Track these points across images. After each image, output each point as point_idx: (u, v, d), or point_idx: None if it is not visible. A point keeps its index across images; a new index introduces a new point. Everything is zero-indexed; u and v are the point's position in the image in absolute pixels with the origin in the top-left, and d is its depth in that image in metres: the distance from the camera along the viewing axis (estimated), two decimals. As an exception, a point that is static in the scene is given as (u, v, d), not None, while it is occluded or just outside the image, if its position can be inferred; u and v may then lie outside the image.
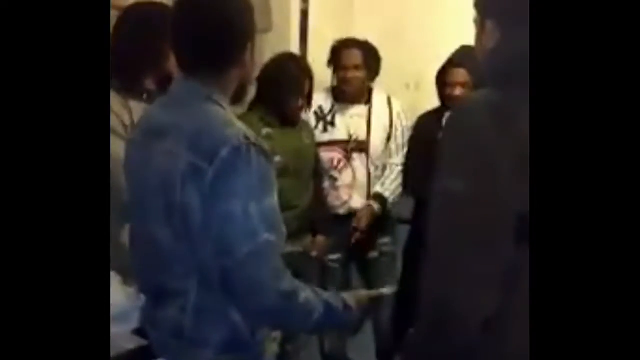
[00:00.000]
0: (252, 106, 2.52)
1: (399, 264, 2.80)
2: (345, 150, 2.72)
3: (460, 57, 2.51)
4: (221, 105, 1.36)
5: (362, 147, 2.74)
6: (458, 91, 2.50)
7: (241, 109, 2.19)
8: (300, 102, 2.48)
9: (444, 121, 2.42)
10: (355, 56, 2.69)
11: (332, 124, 2.74)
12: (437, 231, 1.02)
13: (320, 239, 2.65)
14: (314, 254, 2.61)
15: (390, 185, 2.76)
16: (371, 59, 2.72)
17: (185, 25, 1.37)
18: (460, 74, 2.50)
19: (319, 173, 2.67)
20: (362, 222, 2.70)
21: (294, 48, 3.08)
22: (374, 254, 2.82)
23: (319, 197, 2.66)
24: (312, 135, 2.65)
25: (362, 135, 2.74)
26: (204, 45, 1.35)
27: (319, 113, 2.73)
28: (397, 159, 2.78)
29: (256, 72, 2.53)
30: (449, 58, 2.55)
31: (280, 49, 2.78)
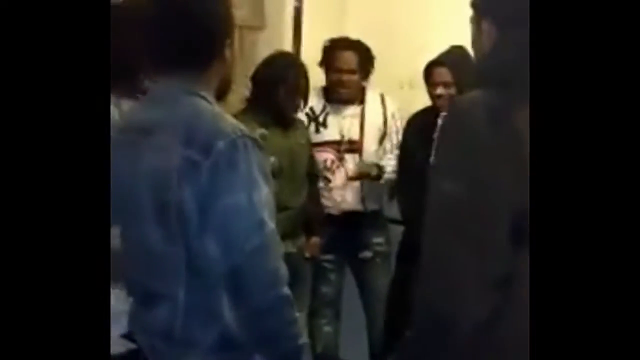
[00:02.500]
0: (247, 106, 2.50)
1: (393, 264, 2.78)
2: (338, 151, 2.70)
3: (444, 57, 2.50)
4: (208, 100, 1.35)
5: (355, 147, 2.72)
6: (440, 90, 2.48)
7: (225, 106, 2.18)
8: (296, 101, 2.46)
9: (439, 121, 2.43)
10: (349, 59, 2.66)
11: (324, 124, 2.71)
12: (433, 231, 1.00)
13: (315, 240, 2.64)
14: (307, 255, 2.59)
15: (388, 162, 2.74)
16: (365, 59, 2.69)
17: (162, 23, 1.35)
18: (443, 74, 2.48)
19: (314, 174, 2.65)
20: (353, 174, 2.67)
21: (287, 46, 3.06)
22: (367, 254, 2.81)
23: (314, 198, 2.65)
24: (307, 136, 2.63)
25: (355, 136, 2.72)
26: (182, 42, 1.34)
27: (311, 114, 2.71)
28: (392, 159, 2.76)
29: (250, 71, 2.52)
30: (433, 58, 2.54)
31: (273, 46, 2.76)
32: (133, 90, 1.70)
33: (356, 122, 2.73)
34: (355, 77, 2.68)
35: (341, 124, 2.71)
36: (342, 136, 2.70)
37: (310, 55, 2.81)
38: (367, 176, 2.69)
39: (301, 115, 2.67)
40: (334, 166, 2.71)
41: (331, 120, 2.72)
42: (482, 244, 0.95)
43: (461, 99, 1.05)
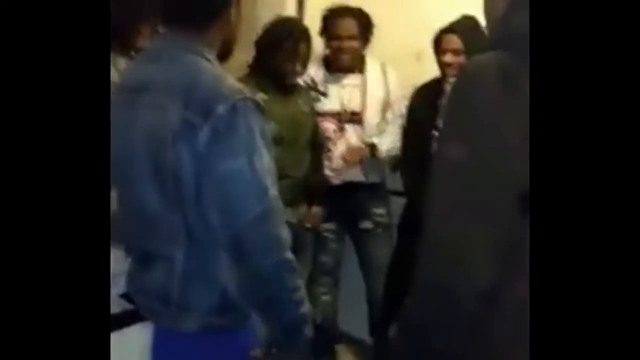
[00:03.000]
0: (249, 72, 2.47)
1: (394, 236, 2.78)
2: (339, 121, 2.67)
3: (455, 25, 2.47)
4: (209, 60, 1.32)
5: (356, 118, 2.70)
6: (449, 58, 2.46)
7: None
8: (295, 66, 2.43)
9: (446, 87, 2.40)
10: (349, 26, 2.63)
11: (324, 94, 2.69)
12: (437, 198, 0.98)
13: (316, 209, 2.63)
14: (308, 225, 2.58)
15: (387, 138, 2.72)
16: (364, 26, 2.66)
17: None
18: (453, 41, 2.46)
19: (317, 143, 2.63)
20: (351, 156, 2.67)
21: (290, 12, 3.02)
22: (368, 225, 2.81)
23: (317, 168, 2.63)
24: (311, 104, 2.60)
25: (356, 107, 2.70)
26: None
27: (311, 83, 2.68)
28: (395, 127, 2.74)
29: (248, 37, 2.48)
30: (445, 25, 2.51)
31: (276, 12, 2.71)
32: (129, 48, 1.67)
33: (357, 92, 2.71)
34: (355, 44, 2.66)
35: (341, 94, 2.69)
36: (343, 105, 2.68)
37: (315, 22, 2.77)
38: (360, 161, 2.68)
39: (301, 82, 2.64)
40: (335, 136, 2.68)
41: (332, 89, 2.69)
42: (487, 211, 0.92)
43: (473, 60, 1.01)
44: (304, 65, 2.48)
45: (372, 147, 2.71)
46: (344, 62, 2.68)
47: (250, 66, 2.47)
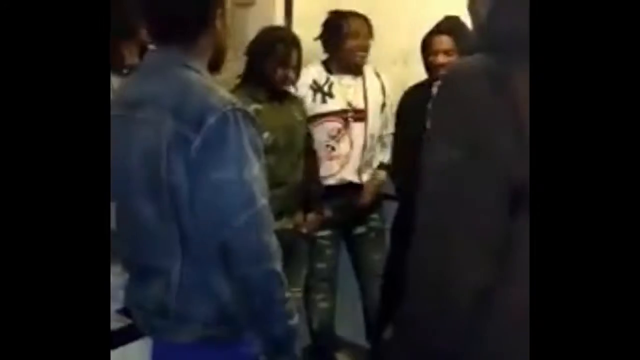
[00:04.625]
0: (241, 82, 2.47)
1: (387, 240, 2.79)
2: (345, 119, 2.68)
3: (443, 25, 2.49)
4: (199, 72, 1.33)
5: (361, 116, 2.72)
6: (441, 58, 2.48)
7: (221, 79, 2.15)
8: (287, 72, 2.43)
9: (433, 90, 2.42)
10: (363, 25, 2.66)
11: (330, 94, 2.70)
12: (428, 198, 0.99)
13: (312, 216, 2.63)
14: (304, 230, 2.59)
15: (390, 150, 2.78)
16: (370, 27, 2.69)
17: None
18: (444, 41, 2.48)
19: (311, 150, 2.64)
20: (368, 197, 2.74)
21: (279, 22, 3.03)
22: (361, 229, 2.82)
23: (312, 175, 2.63)
24: (304, 112, 2.61)
25: (360, 105, 2.72)
26: (173, 13, 1.32)
27: (315, 86, 2.69)
28: (391, 129, 2.78)
29: (239, 48, 2.49)
30: (433, 27, 2.52)
31: (264, 23, 2.72)
32: (120, 66, 1.69)
33: (359, 91, 2.73)
34: (368, 43, 2.68)
35: (346, 92, 2.71)
36: (349, 104, 2.69)
37: (302, 31, 2.78)
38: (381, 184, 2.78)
39: (303, 89, 2.65)
40: (340, 135, 2.70)
41: (337, 89, 2.70)
42: (481, 211, 0.93)
43: (459, 62, 1.03)
44: (297, 72, 2.48)
45: (386, 167, 2.78)
46: (360, 60, 2.69)
47: (241, 76, 2.47)
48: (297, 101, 2.61)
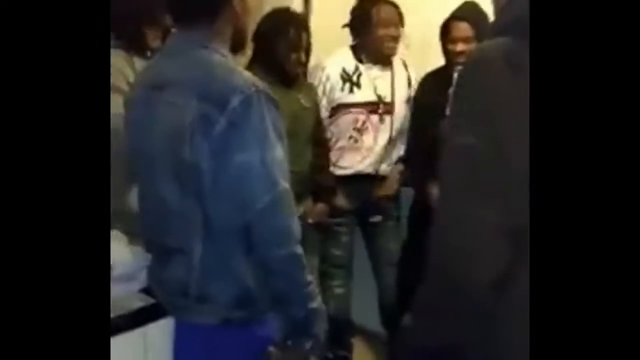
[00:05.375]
0: (248, 66, 2.37)
1: (403, 229, 2.79)
2: (371, 111, 2.63)
3: (463, 11, 2.46)
4: (221, 54, 1.35)
5: (387, 109, 2.67)
6: (461, 46, 2.45)
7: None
8: (300, 56, 2.38)
9: (454, 76, 2.40)
10: (393, 13, 2.58)
11: (358, 85, 2.64)
12: (447, 185, 0.99)
13: (320, 206, 2.60)
14: (310, 220, 2.55)
15: None
16: (401, 15, 2.61)
17: None
18: (464, 29, 2.44)
19: (321, 139, 2.59)
20: (390, 189, 2.75)
21: (297, 4, 2.99)
22: (377, 218, 2.82)
23: (323, 165, 2.59)
24: (313, 99, 2.55)
25: (387, 98, 2.66)
26: None
27: (345, 75, 2.63)
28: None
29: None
30: (451, 13, 2.50)
31: (282, 4, 2.68)
32: (143, 49, 1.70)
33: (387, 84, 2.68)
34: (399, 32, 2.60)
35: (374, 84, 2.65)
36: (378, 96, 2.64)
37: (321, 14, 2.75)
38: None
39: (334, 76, 2.60)
40: (364, 127, 2.65)
41: (364, 79, 2.64)
42: (501, 195, 0.93)
43: (480, 47, 1.02)
44: (307, 55, 2.43)
45: (404, 161, 2.77)
46: (390, 50, 2.62)
47: (250, 61, 2.39)
48: (308, 87, 2.54)
